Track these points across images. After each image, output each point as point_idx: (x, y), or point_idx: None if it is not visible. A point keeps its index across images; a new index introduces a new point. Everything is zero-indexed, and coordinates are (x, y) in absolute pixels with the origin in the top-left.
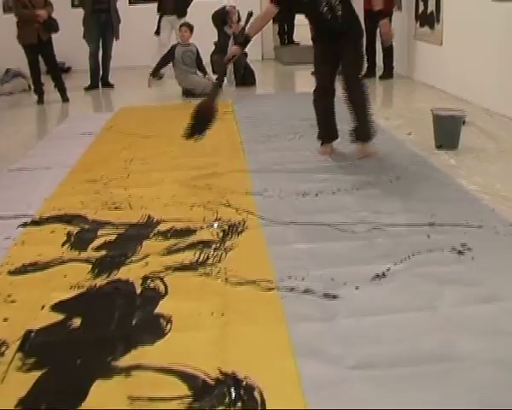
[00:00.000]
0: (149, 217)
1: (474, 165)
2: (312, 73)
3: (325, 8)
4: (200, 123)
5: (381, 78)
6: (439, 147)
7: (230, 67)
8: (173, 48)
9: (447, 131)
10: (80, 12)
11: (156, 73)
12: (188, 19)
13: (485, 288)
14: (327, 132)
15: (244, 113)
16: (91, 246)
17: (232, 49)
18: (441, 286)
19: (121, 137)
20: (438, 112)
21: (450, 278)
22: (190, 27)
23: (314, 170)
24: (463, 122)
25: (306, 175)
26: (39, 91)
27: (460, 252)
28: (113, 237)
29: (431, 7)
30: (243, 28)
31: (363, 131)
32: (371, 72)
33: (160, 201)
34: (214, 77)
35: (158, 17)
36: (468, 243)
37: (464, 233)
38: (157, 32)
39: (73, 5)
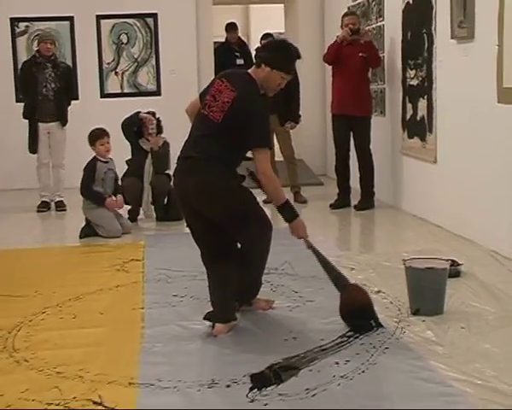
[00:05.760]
0: None
1: (461, 339)
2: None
3: None
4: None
5: (357, 208)
6: (415, 313)
7: (148, 195)
8: (94, 163)
9: (426, 290)
10: None
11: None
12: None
13: None
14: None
15: (158, 261)
16: None
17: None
18: None
19: None
20: (412, 263)
21: None
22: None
23: (229, 347)
24: (458, 273)
25: (218, 356)
26: None
27: None
28: None
29: (421, 111)
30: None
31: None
32: (344, 199)
33: (2, 399)
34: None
35: (28, 126)
36: None
37: None
38: (32, 149)
39: None
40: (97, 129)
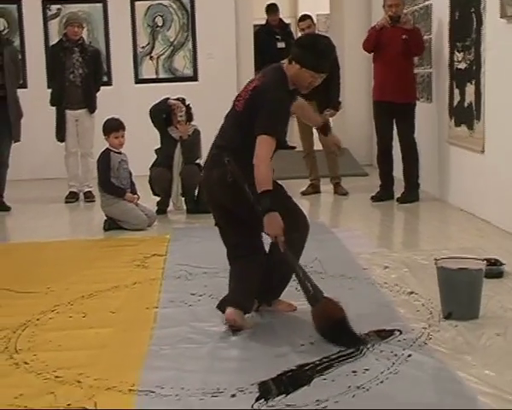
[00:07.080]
0: None
1: (495, 348)
2: None
3: None
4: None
5: (400, 200)
6: (447, 317)
7: (177, 186)
8: (108, 154)
9: (459, 292)
10: None
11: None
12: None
13: None
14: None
15: (181, 256)
16: None
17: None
18: None
19: None
20: (444, 263)
21: None
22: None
23: (240, 352)
24: (500, 274)
25: (227, 362)
26: None
27: None
28: None
29: (469, 97)
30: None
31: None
32: (386, 191)
33: None
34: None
35: (56, 113)
36: None
37: None
38: (60, 137)
39: None
40: (114, 120)
